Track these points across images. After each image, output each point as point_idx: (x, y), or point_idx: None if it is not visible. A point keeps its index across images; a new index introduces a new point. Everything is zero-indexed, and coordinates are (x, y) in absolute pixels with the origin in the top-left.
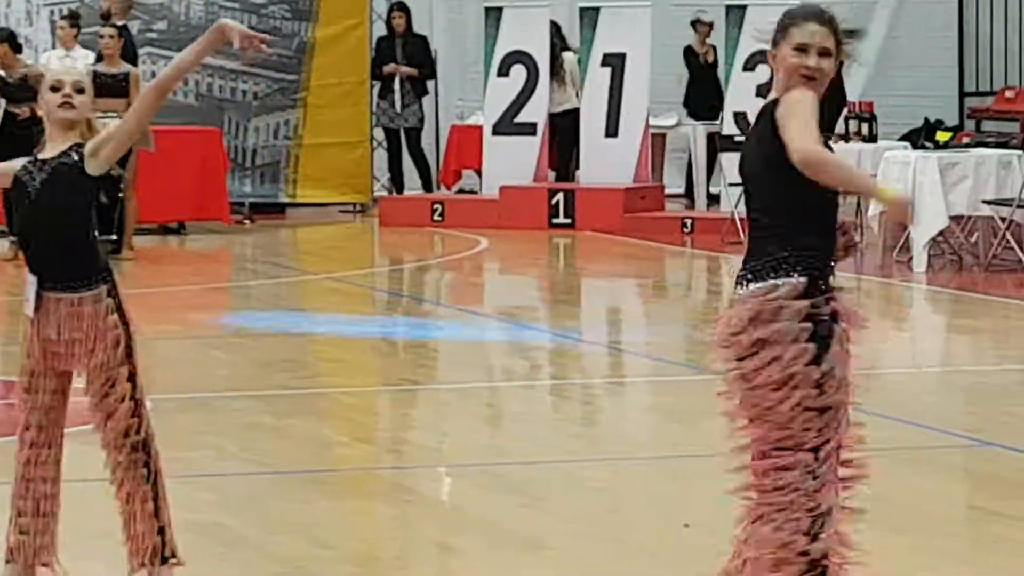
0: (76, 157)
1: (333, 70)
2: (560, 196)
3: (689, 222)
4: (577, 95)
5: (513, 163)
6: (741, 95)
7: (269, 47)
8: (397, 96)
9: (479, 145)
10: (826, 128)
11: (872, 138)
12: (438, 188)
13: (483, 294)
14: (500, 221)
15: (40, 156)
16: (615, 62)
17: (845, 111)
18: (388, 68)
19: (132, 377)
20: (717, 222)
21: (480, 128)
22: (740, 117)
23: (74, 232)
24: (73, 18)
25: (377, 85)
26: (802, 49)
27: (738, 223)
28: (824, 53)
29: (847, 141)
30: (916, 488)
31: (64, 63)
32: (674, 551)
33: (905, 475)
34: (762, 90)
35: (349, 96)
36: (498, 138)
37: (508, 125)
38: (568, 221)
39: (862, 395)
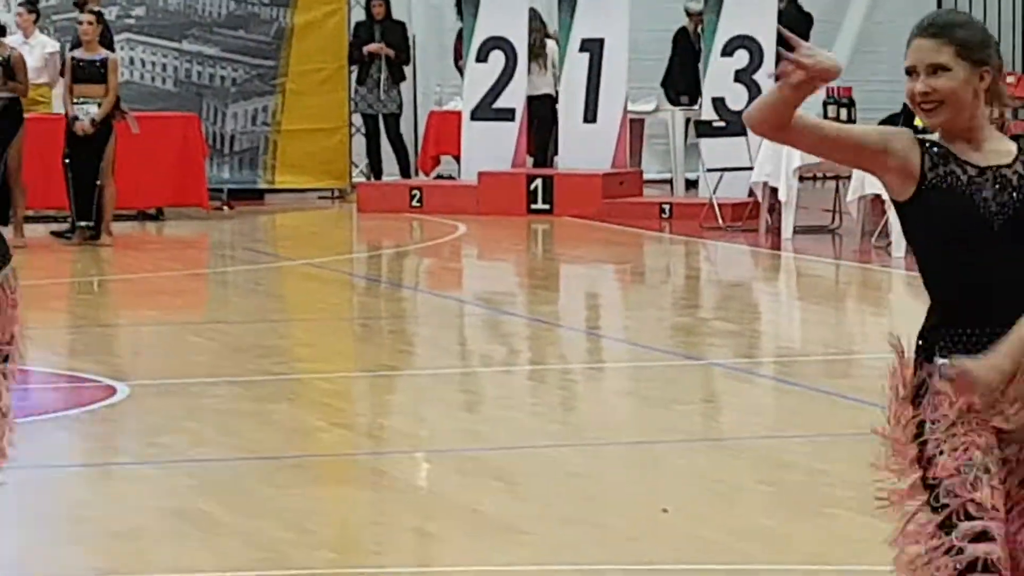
0: None
1: (311, 56)
2: (539, 182)
3: (667, 207)
4: (556, 81)
5: (491, 149)
6: (719, 81)
7: (247, 32)
8: (376, 81)
9: (457, 131)
10: None
11: (851, 122)
12: (416, 174)
13: (461, 280)
14: (478, 207)
15: None
16: (593, 48)
17: (823, 95)
18: (370, 47)
19: None
20: (695, 207)
21: (458, 114)
22: (719, 103)
23: None
24: (31, 4)
25: (355, 71)
26: (909, 72)
27: (716, 208)
28: (938, 70)
29: None
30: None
31: (23, 51)
32: (652, 536)
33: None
34: (740, 76)
35: (327, 82)
36: (476, 124)
37: (486, 111)
38: (547, 207)
39: (842, 381)
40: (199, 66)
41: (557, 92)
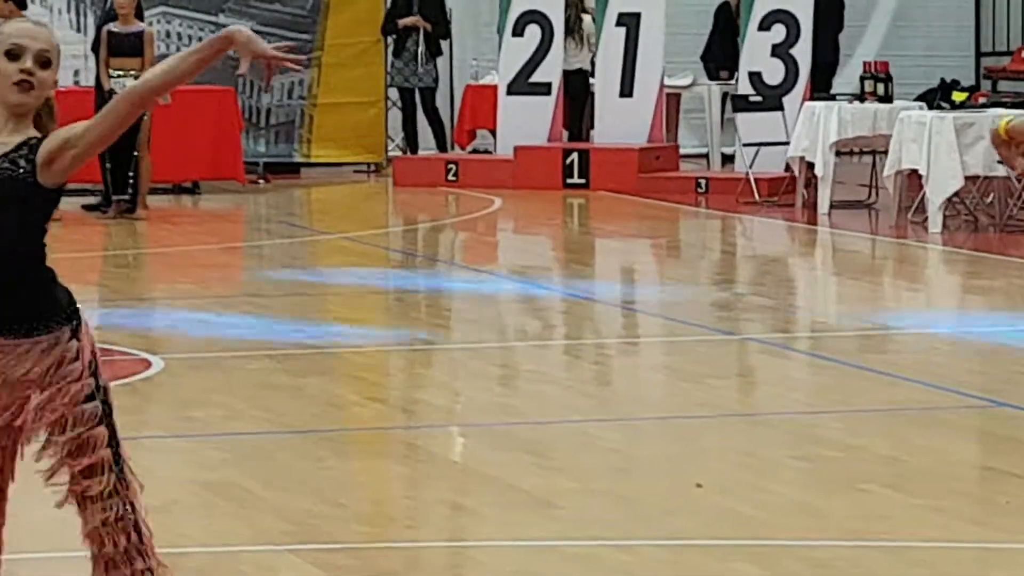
0: (26, 165)
1: (347, 29)
2: (574, 156)
3: (703, 182)
4: (593, 56)
5: (527, 123)
6: (756, 55)
7: (283, 5)
8: (412, 54)
9: (493, 105)
10: (826, 57)
11: (888, 98)
12: (452, 148)
13: (497, 254)
14: (514, 181)
15: None
16: (630, 22)
17: (860, 70)
18: (405, 20)
19: (112, 442)
20: (731, 182)
21: (494, 88)
22: (755, 77)
23: (24, 260)
24: None
25: (392, 44)
26: None
27: (752, 183)
28: None
29: (862, 101)
30: (929, 449)
31: None
32: (685, 511)
33: (919, 436)
34: (777, 50)
35: (363, 55)
36: (512, 98)
37: (522, 85)
38: (582, 181)
39: (877, 356)
40: None
41: (593, 66)
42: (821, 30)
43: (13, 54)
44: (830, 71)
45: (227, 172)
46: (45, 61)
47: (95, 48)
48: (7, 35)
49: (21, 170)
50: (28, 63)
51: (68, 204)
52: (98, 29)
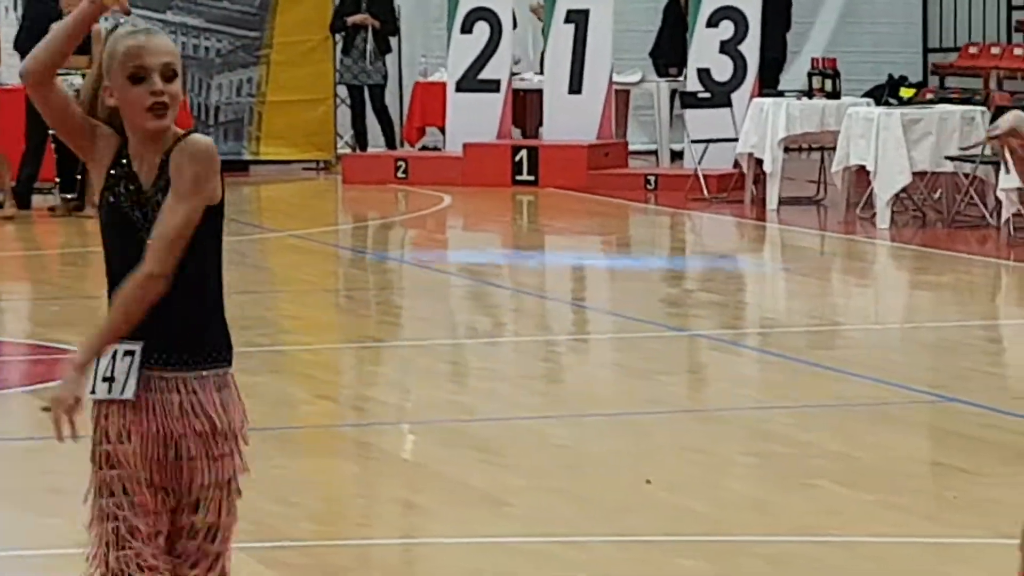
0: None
1: (296, 27)
2: (523, 153)
3: (653, 179)
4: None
5: (476, 120)
6: (705, 52)
7: (231, 2)
8: (361, 52)
9: (443, 102)
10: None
11: (835, 94)
12: (402, 145)
13: (446, 251)
14: (464, 178)
15: (134, 172)
16: (578, 18)
17: (808, 67)
18: (354, 18)
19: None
20: (680, 179)
21: (443, 85)
22: (704, 74)
23: (197, 285)
24: None
25: (340, 42)
26: None
27: (701, 179)
28: None
29: (810, 97)
30: (879, 445)
31: None
32: (637, 507)
33: (868, 431)
34: (725, 47)
35: (312, 53)
36: (461, 95)
37: (471, 82)
38: (532, 178)
39: (826, 352)
40: (183, 37)
41: (542, 63)
42: (770, 27)
43: (137, 77)
44: (778, 68)
45: None
46: (172, 74)
47: (17, 45)
48: (126, 55)
49: None
50: (157, 83)
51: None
52: (29, 24)
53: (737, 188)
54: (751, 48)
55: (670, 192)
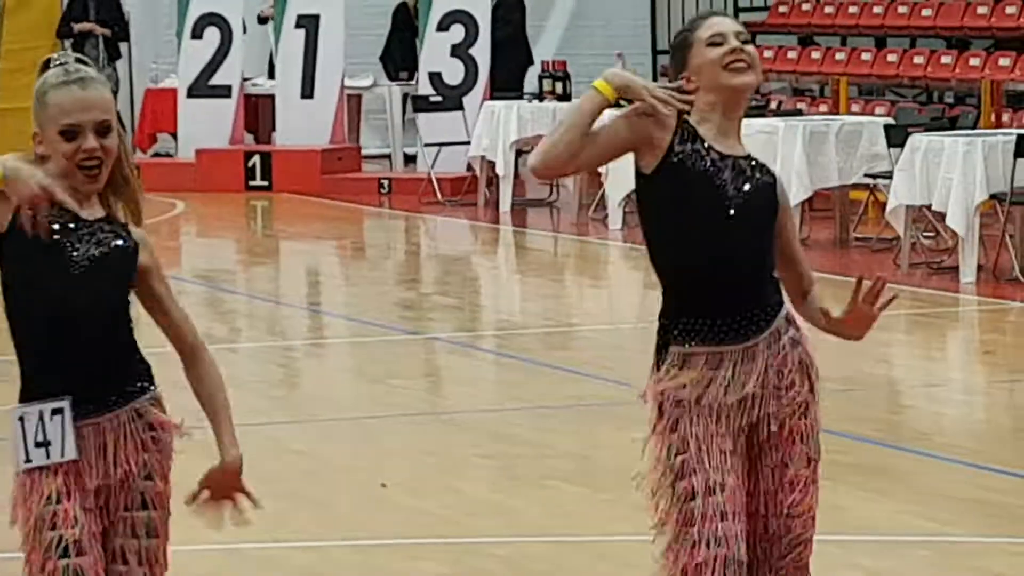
0: (127, 238)
1: (24, 34)
2: (256, 158)
3: (386, 183)
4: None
5: (208, 126)
6: (436, 56)
7: None
8: (92, 59)
9: (174, 108)
10: (512, 86)
11: (566, 97)
12: (133, 152)
13: (180, 258)
14: (196, 184)
15: (78, 213)
16: (309, 24)
17: (539, 69)
18: (82, 26)
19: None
20: (414, 182)
21: (175, 91)
22: (435, 77)
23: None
24: None
25: (69, 49)
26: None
27: (435, 183)
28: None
29: (541, 100)
30: (614, 444)
31: None
32: (374, 511)
33: (603, 431)
34: (456, 50)
35: (42, 60)
36: (193, 101)
37: (203, 88)
38: (265, 183)
39: (561, 353)
40: None
41: (272, 69)
42: (514, 32)
43: (70, 134)
44: (521, 72)
45: None
46: (106, 129)
47: None
48: (58, 110)
49: (126, 240)
50: (90, 141)
51: None
52: None
53: (471, 191)
54: (482, 51)
55: (404, 196)
